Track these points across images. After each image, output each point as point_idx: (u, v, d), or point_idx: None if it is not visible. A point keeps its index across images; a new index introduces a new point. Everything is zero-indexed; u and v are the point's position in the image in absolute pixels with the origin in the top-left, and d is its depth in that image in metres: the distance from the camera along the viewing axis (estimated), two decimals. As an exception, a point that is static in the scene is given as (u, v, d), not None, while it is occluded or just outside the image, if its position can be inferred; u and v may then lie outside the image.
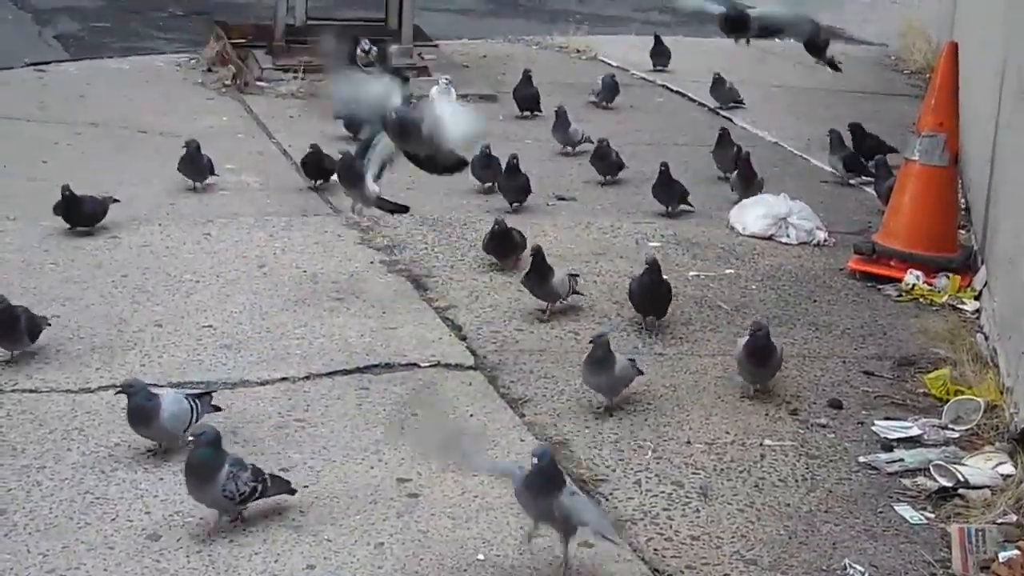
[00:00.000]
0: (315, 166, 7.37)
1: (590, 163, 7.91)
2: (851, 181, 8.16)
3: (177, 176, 7.33)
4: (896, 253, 6.62)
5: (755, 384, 5.25)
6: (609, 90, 9.77)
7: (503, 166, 7.31)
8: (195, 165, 7.20)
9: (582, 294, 6.02)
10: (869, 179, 7.97)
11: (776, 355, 5.18)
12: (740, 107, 9.89)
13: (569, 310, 5.94)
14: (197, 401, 4.49)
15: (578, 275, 6.01)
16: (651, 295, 5.71)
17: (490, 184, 7.50)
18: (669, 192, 7.31)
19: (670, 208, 7.34)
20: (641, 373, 5.14)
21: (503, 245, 6.29)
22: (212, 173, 7.29)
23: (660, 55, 10.92)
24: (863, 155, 8.12)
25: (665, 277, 5.79)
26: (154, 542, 4.01)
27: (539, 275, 5.74)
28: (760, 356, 5.14)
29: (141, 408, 4.36)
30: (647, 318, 5.80)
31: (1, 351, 5.13)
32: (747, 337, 5.14)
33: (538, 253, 5.74)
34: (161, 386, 4.65)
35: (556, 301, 5.85)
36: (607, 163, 7.85)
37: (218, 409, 4.64)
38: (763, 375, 5.22)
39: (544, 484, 3.82)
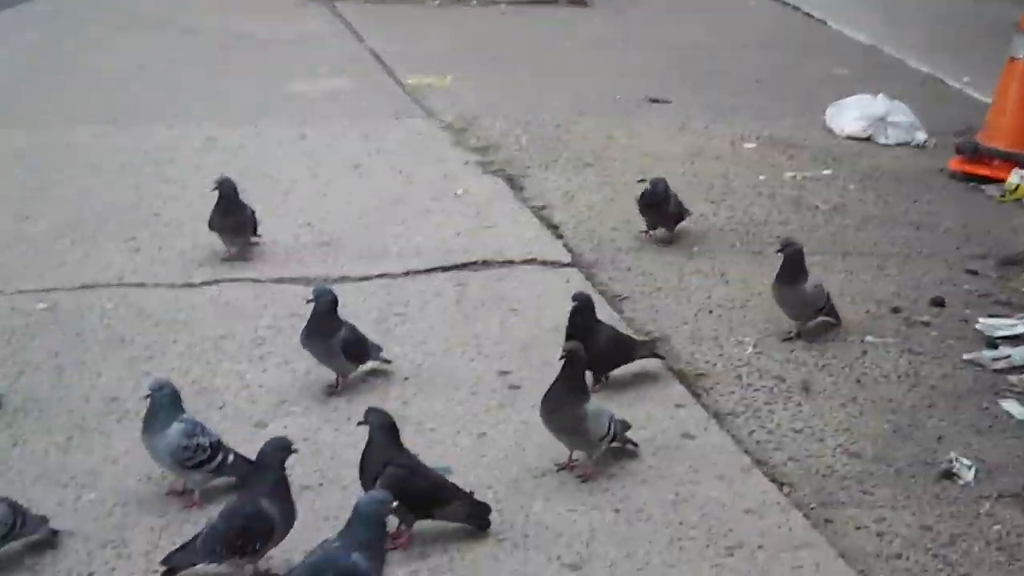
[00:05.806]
0: None
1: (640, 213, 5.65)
2: None
3: (272, 79, 7.33)
4: (999, 153, 6.48)
5: (791, 317, 4.81)
6: None
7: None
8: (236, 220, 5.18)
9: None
10: None
11: (807, 286, 4.69)
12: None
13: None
14: None
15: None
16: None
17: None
18: None
19: None
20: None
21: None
22: (255, 233, 5.29)
23: None
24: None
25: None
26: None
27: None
28: (785, 277, 4.72)
29: None
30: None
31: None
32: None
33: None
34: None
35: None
36: (662, 214, 5.61)
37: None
38: (793, 303, 4.76)
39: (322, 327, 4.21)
